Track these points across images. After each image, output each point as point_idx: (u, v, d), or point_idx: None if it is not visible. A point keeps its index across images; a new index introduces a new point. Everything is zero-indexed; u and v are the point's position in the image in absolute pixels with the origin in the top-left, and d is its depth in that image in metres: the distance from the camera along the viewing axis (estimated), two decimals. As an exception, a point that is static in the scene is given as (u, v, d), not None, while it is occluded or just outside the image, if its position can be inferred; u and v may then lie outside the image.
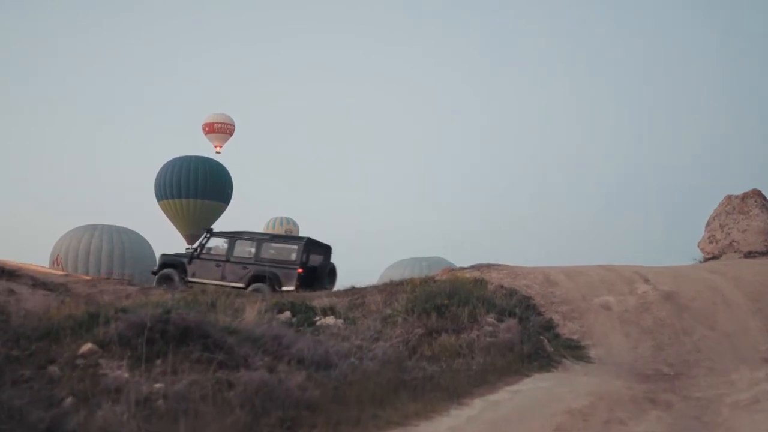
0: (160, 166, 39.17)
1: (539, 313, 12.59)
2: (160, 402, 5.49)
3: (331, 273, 18.83)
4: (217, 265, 18.33)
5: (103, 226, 36.01)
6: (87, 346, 6.24)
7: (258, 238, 18.70)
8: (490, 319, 10.19)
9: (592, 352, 11.16)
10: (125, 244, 35.40)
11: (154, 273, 19.49)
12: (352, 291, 14.16)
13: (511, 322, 10.10)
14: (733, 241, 18.90)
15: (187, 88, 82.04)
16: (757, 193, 19.55)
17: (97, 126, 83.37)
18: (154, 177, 39.14)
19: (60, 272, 25.68)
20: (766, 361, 10.41)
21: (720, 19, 79.68)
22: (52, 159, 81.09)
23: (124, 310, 6.97)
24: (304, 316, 10.58)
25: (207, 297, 9.78)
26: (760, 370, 9.55)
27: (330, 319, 10.47)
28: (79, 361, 6.09)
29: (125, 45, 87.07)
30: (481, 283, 13.49)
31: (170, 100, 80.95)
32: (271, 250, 18.37)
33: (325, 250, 19.43)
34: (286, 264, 17.76)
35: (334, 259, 19.04)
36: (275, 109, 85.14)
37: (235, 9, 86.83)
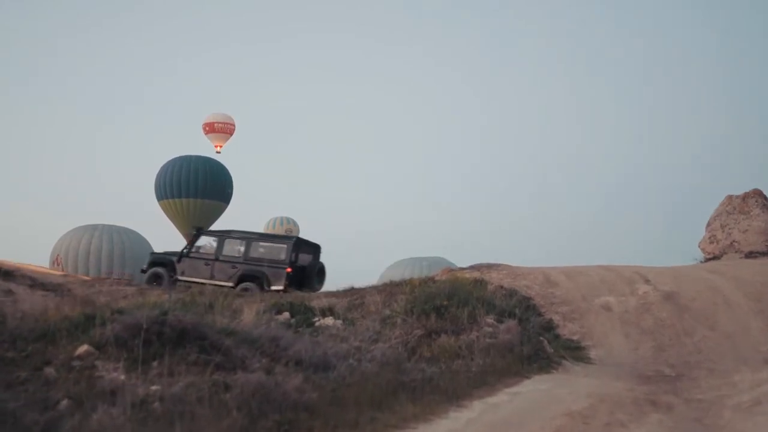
0: (160, 166, 39.09)
1: (539, 314, 12.56)
2: (156, 404, 5.45)
3: (320, 272, 18.80)
4: (207, 264, 18.32)
5: (104, 226, 35.95)
6: (83, 348, 6.20)
7: (247, 237, 18.64)
8: (490, 320, 10.13)
9: (593, 353, 11.13)
10: (125, 244, 35.33)
11: (144, 271, 19.48)
12: (351, 291, 14.13)
13: (511, 323, 10.05)
14: (733, 241, 18.85)
15: (187, 88, 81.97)
16: (758, 193, 19.50)
17: (97, 126, 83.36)
18: (154, 177, 39.16)
19: (59, 272, 25.68)
20: (767, 362, 10.37)
21: (720, 19, 79.59)
22: (53, 159, 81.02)
23: (120, 312, 6.92)
24: (303, 317, 10.54)
25: (205, 298, 9.73)
26: (761, 371, 9.50)
27: (329, 320, 10.43)
28: (76, 363, 6.04)
29: (125, 45, 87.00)
30: (480, 283, 13.45)
31: (170, 100, 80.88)
32: (261, 249, 18.36)
33: (314, 249, 19.42)
34: (275, 263, 17.74)
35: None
36: (275, 109, 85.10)
37: (235, 9, 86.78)
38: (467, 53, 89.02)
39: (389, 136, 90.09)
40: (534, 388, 8.16)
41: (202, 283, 17.55)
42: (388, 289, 13.29)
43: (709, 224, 20.00)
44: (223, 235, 18.97)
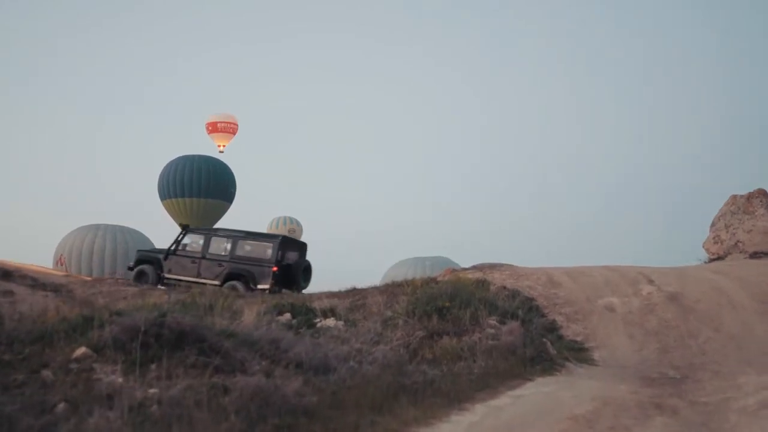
0: (161, 165, 39.22)
1: (542, 315, 12.48)
2: (154, 408, 5.38)
3: (306, 270, 18.74)
4: (193, 262, 18.31)
5: (107, 225, 36.00)
6: (81, 350, 6.13)
7: (233, 236, 18.59)
8: (493, 321, 10.05)
9: (596, 355, 11.04)
10: (129, 243, 35.32)
11: (131, 268, 19.46)
12: (353, 292, 14.07)
13: (514, 324, 9.96)
14: (738, 241, 18.73)
15: (187, 88, 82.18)
16: (762, 193, 19.37)
17: (98, 126, 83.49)
18: (157, 176, 39.24)
19: (62, 273, 25.68)
20: (772, 364, 10.27)
21: (720, 19, 79.42)
22: (54, 159, 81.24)
23: (118, 314, 6.85)
24: (305, 318, 10.47)
25: (205, 299, 9.67)
26: (767, 373, 9.39)
27: (330, 321, 10.35)
28: (73, 366, 5.98)
29: (125, 45, 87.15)
30: (483, 284, 13.37)
31: (170, 100, 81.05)
32: (247, 247, 18.30)
33: (300, 247, 19.39)
34: (261, 262, 17.70)
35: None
36: (275, 109, 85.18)
37: (235, 9, 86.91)
38: (467, 53, 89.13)
39: (389, 136, 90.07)
40: (537, 390, 8.08)
41: (189, 281, 17.54)
42: (390, 290, 13.22)
43: (713, 224, 19.89)
44: (209, 233, 18.95)
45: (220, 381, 5.97)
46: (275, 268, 17.43)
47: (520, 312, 11.05)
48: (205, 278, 17.79)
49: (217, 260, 18.09)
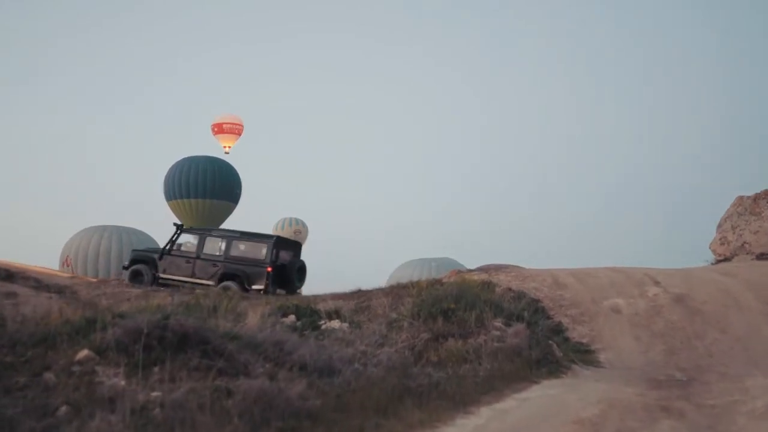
0: (163, 166, 39.40)
1: (548, 317, 12.42)
2: (157, 411, 5.34)
3: (300, 270, 18.70)
4: (188, 262, 18.25)
5: (113, 227, 36.02)
6: (83, 353, 6.10)
7: (227, 236, 18.56)
8: (498, 323, 9.99)
9: (602, 357, 10.97)
10: (134, 245, 35.32)
11: (126, 268, 19.43)
12: (358, 293, 14.04)
13: (519, 326, 9.89)
14: (744, 242, 18.64)
15: (187, 88, 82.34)
16: (768, 194, 19.28)
17: (98, 126, 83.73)
18: (163, 177, 39.36)
19: (67, 274, 25.69)
20: (780, 366, 10.19)
21: (720, 19, 79.19)
22: (57, 159, 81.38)
23: (121, 316, 6.82)
24: (309, 319, 10.43)
25: (209, 301, 9.64)
26: (774, 376, 9.33)
27: (335, 323, 10.31)
28: (75, 368, 5.94)
29: (125, 45, 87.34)
30: (488, 286, 13.32)
31: (170, 100, 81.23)
32: (241, 248, 18.26)
33: (294, 247, 19.34)
34: (255, 262, 17.65)
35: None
36: (276, 109, 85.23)
37: (235, 9, 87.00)
38: (467, 53, 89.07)
39: (389, 136, 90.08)
40: (543, 393, 8.01)
41: (183, 282, 17.51)
42: (395, 292, 13.17)
43: (719, 225, 19.80)
44: (203, 233, 18.92)
45: (223, 384, 5.93)
46: (269, 269, 17.39)
47: (525, 314, 10.99)
48: (199, 278, 17.77)
49: (212, 260, 18.05)
